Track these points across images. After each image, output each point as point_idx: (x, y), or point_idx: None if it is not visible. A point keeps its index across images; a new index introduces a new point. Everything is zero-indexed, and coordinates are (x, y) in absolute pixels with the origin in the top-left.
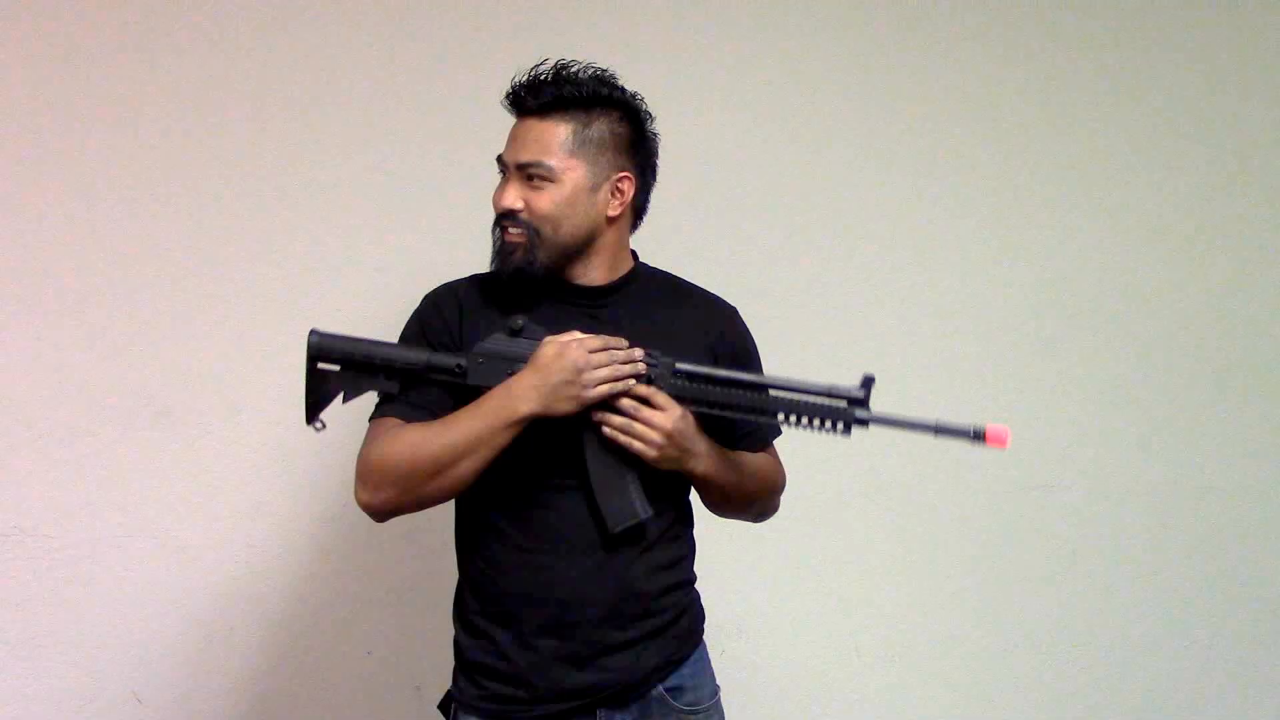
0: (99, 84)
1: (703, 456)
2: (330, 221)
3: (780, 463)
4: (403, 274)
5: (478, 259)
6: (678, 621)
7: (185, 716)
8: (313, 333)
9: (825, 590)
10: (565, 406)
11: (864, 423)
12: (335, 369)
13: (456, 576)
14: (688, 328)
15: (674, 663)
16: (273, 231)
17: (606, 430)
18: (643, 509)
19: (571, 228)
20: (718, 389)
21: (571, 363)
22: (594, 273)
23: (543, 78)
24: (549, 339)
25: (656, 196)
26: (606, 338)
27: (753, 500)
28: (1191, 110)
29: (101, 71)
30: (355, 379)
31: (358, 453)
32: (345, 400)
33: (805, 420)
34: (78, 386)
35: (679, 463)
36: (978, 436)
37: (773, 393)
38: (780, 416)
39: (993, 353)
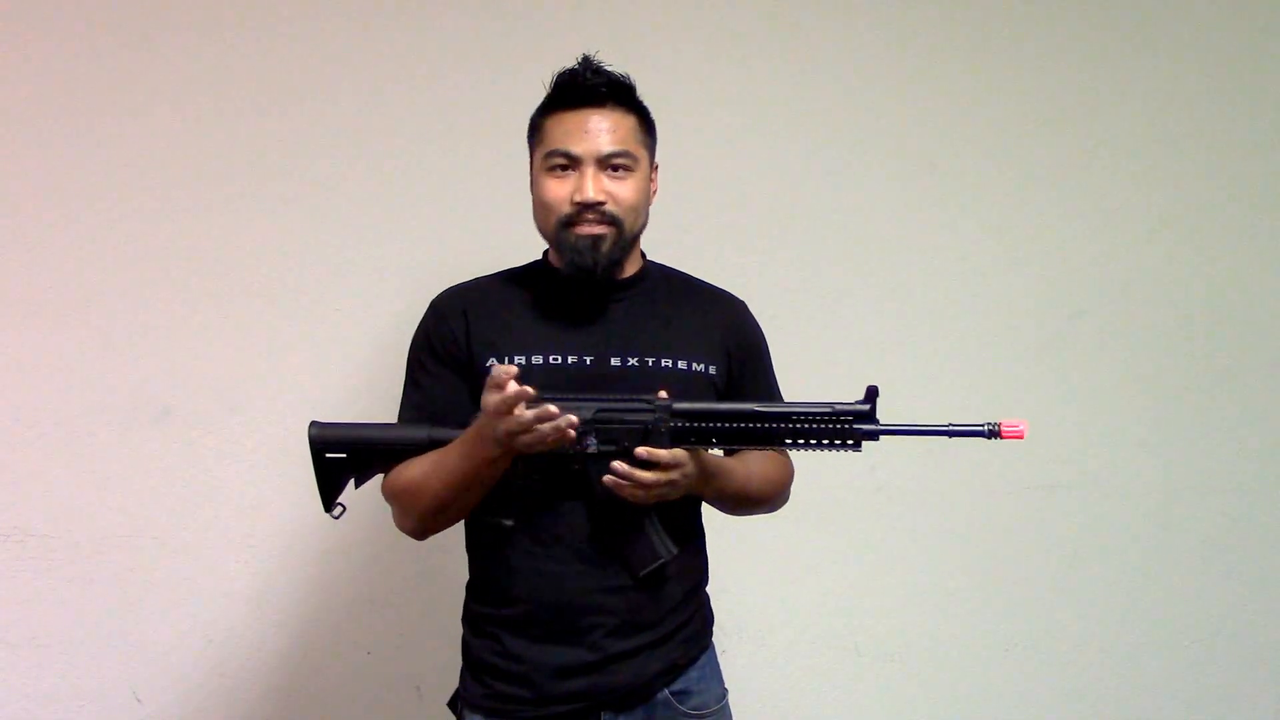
0: (99, 83)
1: (698, 484)
2: (331, 221)
3: (787, 456)
4: (403, 274)
5: (478, 259)
6: (686, 626)
7: (185, 716)
8: (312, 425)
9: (825, 590)
10: (518, 450)
11: (873, 436)
12: (342, 456)
13: (457, 576)
14: (698, 324)
15: (680, 667)
16: (273, 231)
17: (606, 480)
18: (665, 550)
19: (643, 218)
20: (719, 425)
21: (496, 429)
22: (626, 266)
23: (598, 69)
24: (487, 389)
25: (661, 196)
26: (535, 410)
27: (757, 503)
28: (1192, 110)
29: (102, 71)
30: (362, 463)
31: None
32: (357, 485)
33: (814, 443)
34: (78, 386)
35: (679, 497)
36: (992, 434)
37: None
38: (787, 443)
39: (993, 353)
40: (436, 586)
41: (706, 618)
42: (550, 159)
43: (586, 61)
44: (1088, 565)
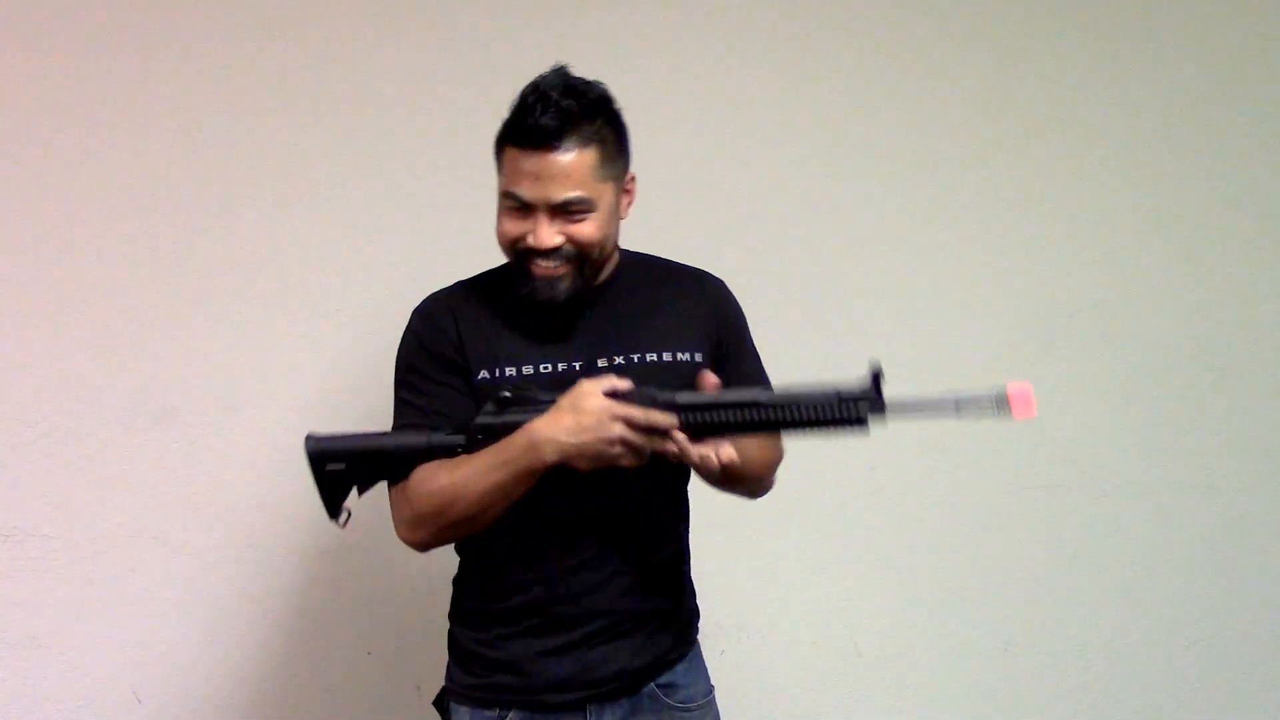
0: (99, 84)
1: None
2: (330, 221)
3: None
4: (403, 274)
5: (478, 259)
6: (673, 620)
7: (185, 716)
8: (309, 439)
9: (825, 590)
10: (582, 466)
11: (880, 413)
12: (341, 467)
13: (456, 576)
14: (680, 310)
15: (668, 661)
16: (272, 231)
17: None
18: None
19: (611, 244)
20: (725, 412)
21: (607, 436)
22: (599, 274)
23: (550, 108)
24: (590, 386)
25: (655, 197)
26: (651, 413)
27: (754, 470)
28: (1192, 110)
29: (101, 72)
30: (363, 472)
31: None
32: (360, 494)
33: (821, 428)
34: (78, 386)
35: None
36: (1000, 405)
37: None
38: (794, 430)
39: (993, 353)
40: (436, 586)
41: (693, 613)
42: (505, 199)
43: (540, 93)
44: (1088, 565)
